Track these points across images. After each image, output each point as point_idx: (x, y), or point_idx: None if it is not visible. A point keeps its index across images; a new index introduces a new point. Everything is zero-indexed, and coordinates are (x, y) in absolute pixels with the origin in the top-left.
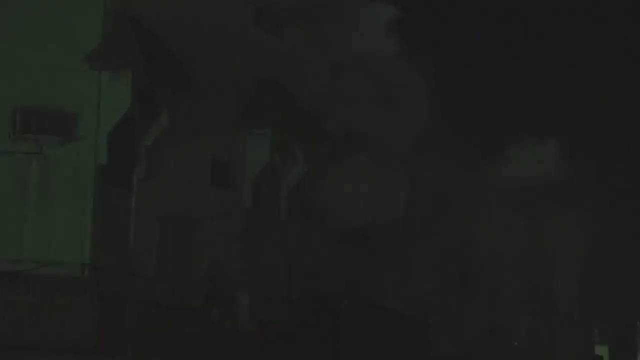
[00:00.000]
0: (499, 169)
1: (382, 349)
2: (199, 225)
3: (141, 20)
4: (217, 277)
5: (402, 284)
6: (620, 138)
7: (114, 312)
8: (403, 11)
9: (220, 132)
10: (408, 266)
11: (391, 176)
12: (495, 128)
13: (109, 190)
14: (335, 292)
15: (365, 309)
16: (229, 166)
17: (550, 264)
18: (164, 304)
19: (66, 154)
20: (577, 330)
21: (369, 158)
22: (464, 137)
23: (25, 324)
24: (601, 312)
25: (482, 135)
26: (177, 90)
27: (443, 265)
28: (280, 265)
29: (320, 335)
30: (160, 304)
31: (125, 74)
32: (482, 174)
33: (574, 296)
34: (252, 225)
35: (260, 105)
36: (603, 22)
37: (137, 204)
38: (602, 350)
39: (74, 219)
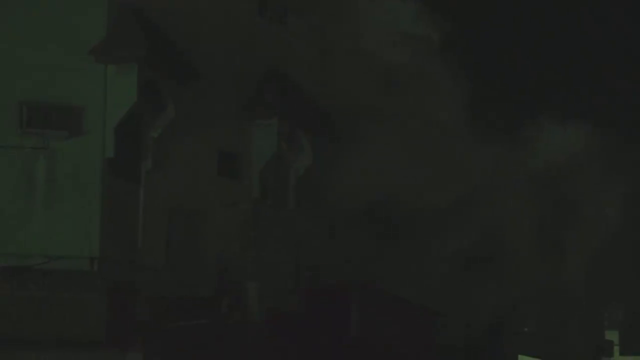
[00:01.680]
0: (518, 153)
1: (391, 338)
2: (207, 216)
3: (144, 11)
4: (226, 269)
5: (412, 273)
6: None
7: (123, 305)
8: None
9: (226, 123)
10: (418, 254)
11: (404, 161)
12: (516, 112)
13: (116, 184)
14: (343, 281)
15: (374, 298)
16: (236, 157)
17: (562, 249)
18: (173, 296)
19: (73, 148)
20: (587, 315)
21: (378, 144)
22: (481, 121)
23: (35, 319)
24: (611, 297)
25: (501, 119)
26: (182, 82)
27: (455, 251)
28: (288, 255)
29: (329, 325)
30: (169, 296)
31: (130, 66)
32: (498, 159)
33: (583, 281)
34: (260, 216)
35: (265, 95)
36: None
37: (145, 196)
38: (612, 336)
39: (81, 213)
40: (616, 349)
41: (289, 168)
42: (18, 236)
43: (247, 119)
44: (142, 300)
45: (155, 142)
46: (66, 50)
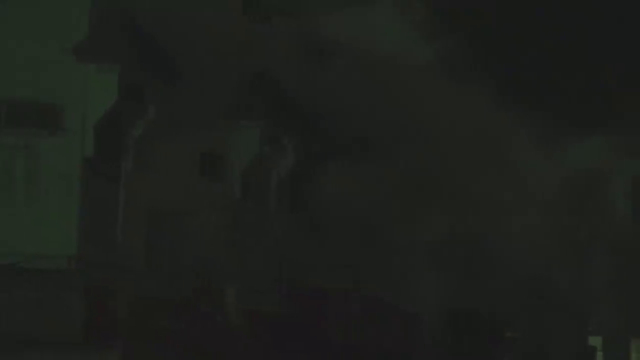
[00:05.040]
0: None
1: (377, 342)
2: (188, 217)
3: (128, 12)
4: (206, 270)
5: (399, 276)
6: None
7: (102, 306)
8: None
9: (209, 124)
10: (405, 258)
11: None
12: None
13: (96, 183)
14: (326, 284)
15: (358, 301)
16: (218, 158)
17: (551, 256)
18: (152, 297)
19: (53, 146)
20: (570, 321)
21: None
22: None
23: (12, 318)
24: (595, 302)
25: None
26: (165, 82)
27: (441, 256)
28: (270, 257)
29: (312, 328)
30: (148, 297)
31: (111, 65)
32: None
33: (568, 286)
34: (241, 218)
35: (249, 97)
36: None
37: (125, 196)
38: (595, 341)
39: (61, 212)
40: (599, 355)
41: (271, 170)
42: None
43: (230, 120)
44: (120, 301)
45: (136, 142)
46: (47, 48)
